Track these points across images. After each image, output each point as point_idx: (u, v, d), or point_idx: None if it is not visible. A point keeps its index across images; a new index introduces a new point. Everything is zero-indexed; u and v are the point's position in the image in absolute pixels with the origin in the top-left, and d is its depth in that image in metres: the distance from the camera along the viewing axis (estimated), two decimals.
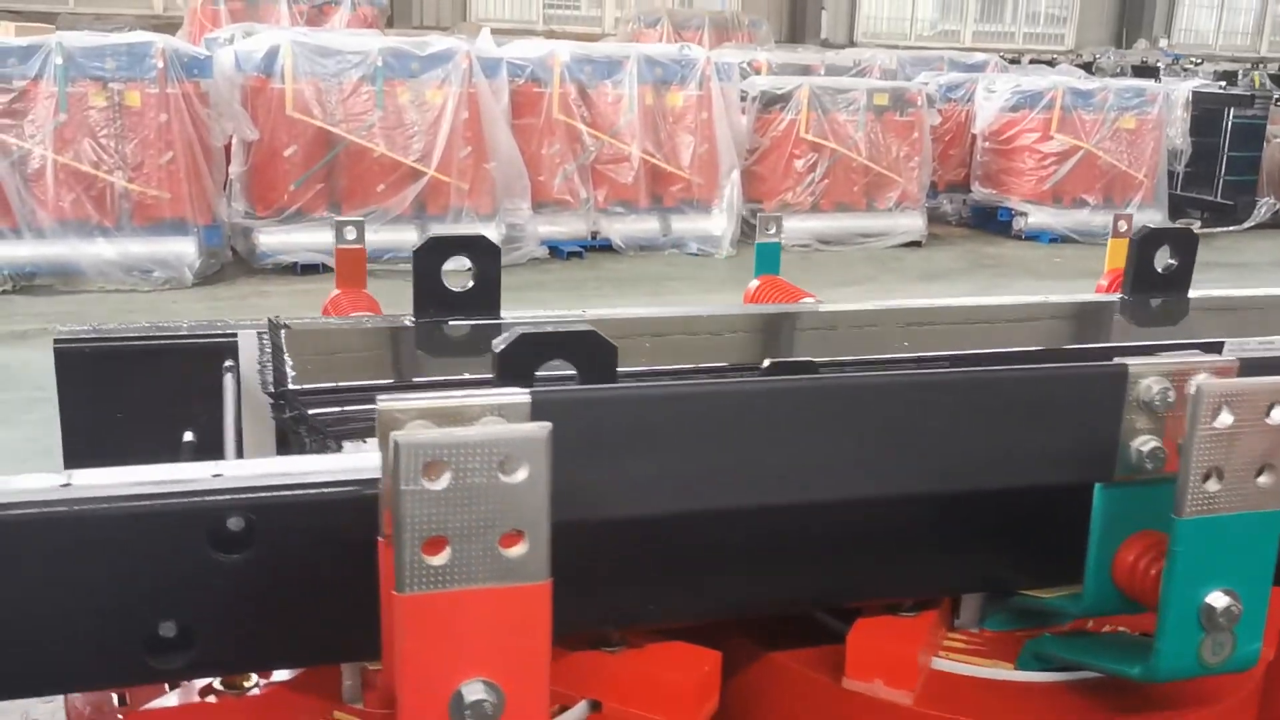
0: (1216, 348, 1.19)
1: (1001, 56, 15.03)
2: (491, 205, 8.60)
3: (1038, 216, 10.65)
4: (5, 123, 7.33)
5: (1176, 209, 11.41)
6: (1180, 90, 11.80)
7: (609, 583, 0.92)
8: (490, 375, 0.94)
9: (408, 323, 1.34)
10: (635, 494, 0.85)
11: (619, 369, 0.94)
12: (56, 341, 1.22)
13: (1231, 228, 11.30)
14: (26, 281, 7.41)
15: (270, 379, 1.06)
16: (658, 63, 9.29)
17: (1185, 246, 1.56)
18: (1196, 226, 8.96)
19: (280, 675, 0.97)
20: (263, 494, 0.83)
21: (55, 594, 0.81)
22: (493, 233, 8.17)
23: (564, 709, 0.95)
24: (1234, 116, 11.68)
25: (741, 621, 1.10)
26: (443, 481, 0.71)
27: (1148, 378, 0.92)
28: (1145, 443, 0.93)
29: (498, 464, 0.72)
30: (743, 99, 9.77)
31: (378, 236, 7.44)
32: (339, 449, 0.96)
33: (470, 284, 1.34)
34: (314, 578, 0.85)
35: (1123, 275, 1.58)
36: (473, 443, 0.71)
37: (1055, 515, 0.99)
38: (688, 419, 0.85)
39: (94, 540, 0.81)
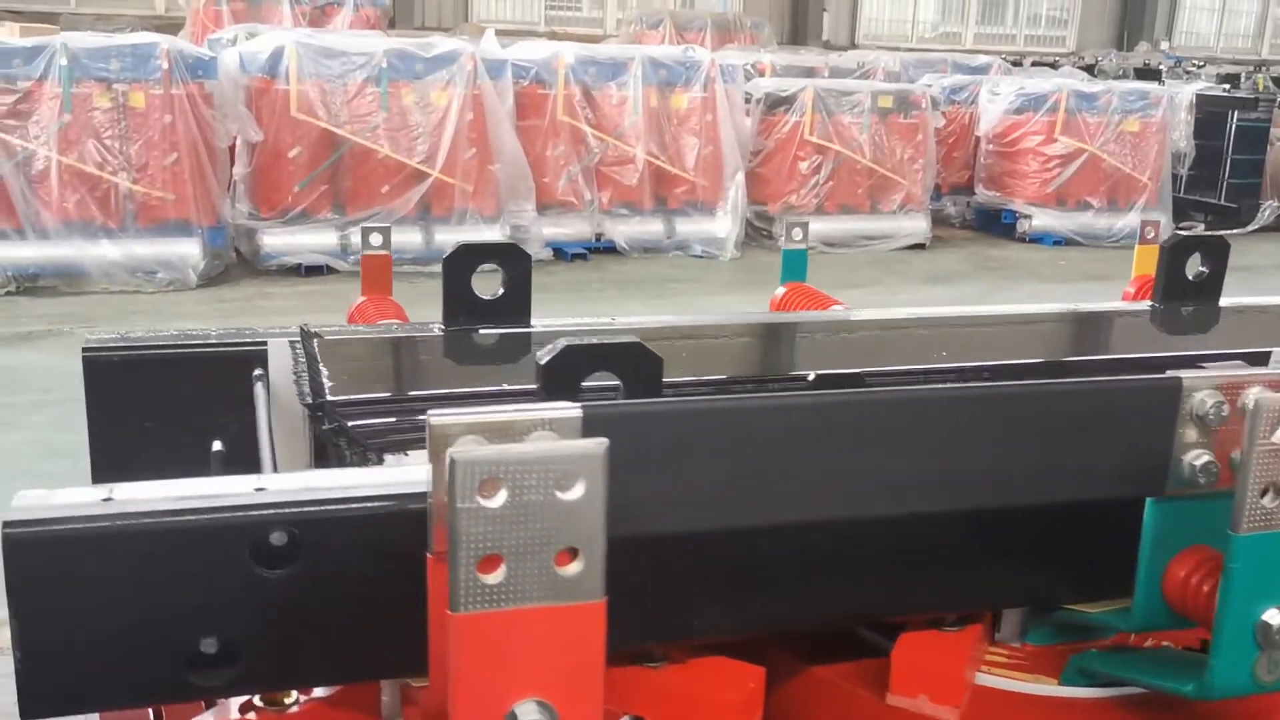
0: (1262, 358, 1.18)
1: (1004, 59, 15.03)
2: (496, 207, 8.59)
3: (1042, 219, 10.65)
4: (10, 123, 7.32)
5: (1180, 212, 11.41)
6: (1184, 93, 11.80)
7: (655, 598, 0.91)
8: (531, 387, 0.93)
9: (437, 331, 1.33)
10: (684, 509, 0.84)
11: None
12: (85, 350, 1.21)
13: (1235, 231, 11.29)
14: (30, 283, 7.40)
15: (307, 390, 1.05)
16: (662, 64, 9.29)
17: (1217, 254, 1.54)
18: (1200, 230, 8.96)
19: (319, 691, 0.96)
20: (307, 508, 0.82)
21: (96, 610, 0.79)
22: (497, 234, 8.17)
23: None
24: (1238, 119, 11.68)
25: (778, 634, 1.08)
26: (499, 499, 0.70)
27: (1201, 391, 0.91)
28: (1198, 457, 0.92)
29: (554, 481, 0.71)
30: (747, 101, 9.77)
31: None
32: (380, 462, 0.95)
33: (501, 291, 1.33)
34: (358, 593, 0.84)
35: (1153, 283, 1.57)
36: (530, 459, 0.70)
37: (1101, 528, 0.98)
38: (739, 433, 0.83)
39: (136, 555, 0.79)
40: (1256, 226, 11.46)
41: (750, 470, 0.84)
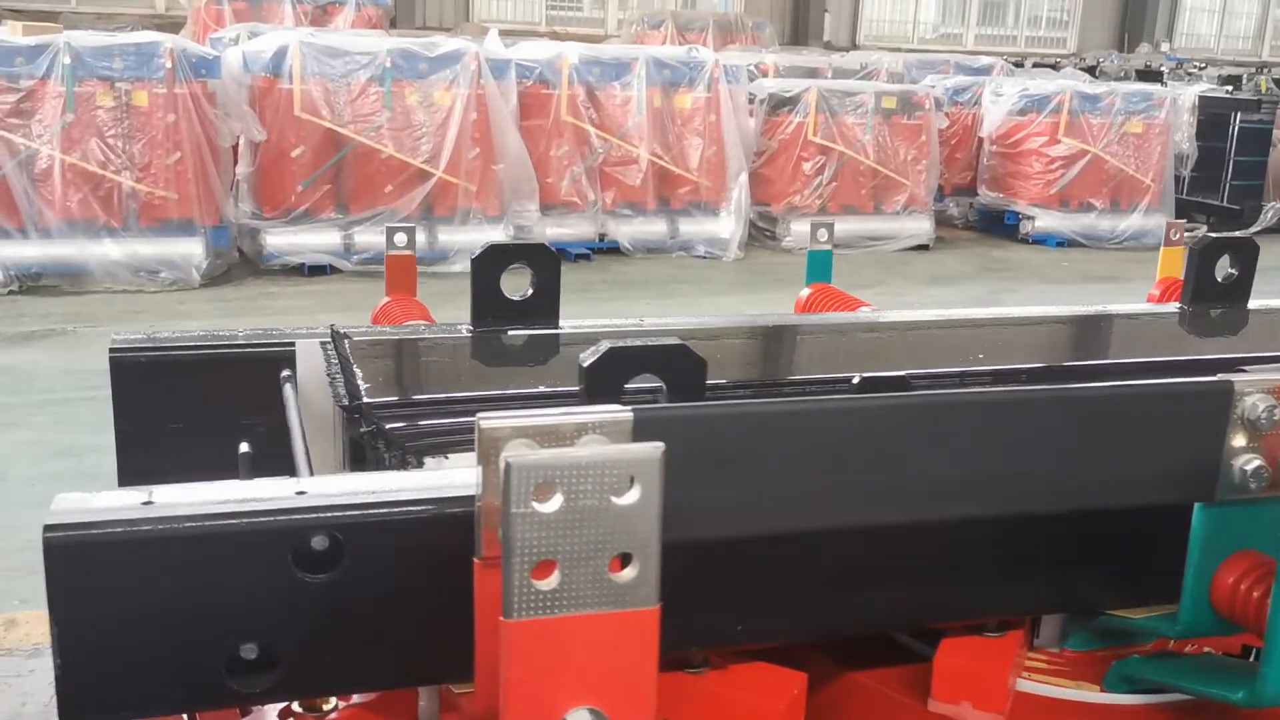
0: None
1: (1005, 60, 15.02)
2: (499, 207, 8.57)
3: (1045, 220, 10.63)
4: (12, 122, 7.30)
5: (1183, 213, 11.39)
6: (1187, 94, 11.79)
7: (701, 603, 0.89)
8: (568, 388, 0.91)
9: (465, 331, 1.31)
10: (733, 514, 0.83)
11: None
12: (112, 350, 1.19)
13: (1238, 232, 11.28)
14: (33, 282, 7.38)
15: (343, 391, 1.04)
16: (666, 65, 9.27)
17: (1246, 256, 1.53)
18: (1202, 231, 8.94)
19: (356, 697, 0.95)
20: (350, 512, 0.81)
21: (135, 615, 0.78)
22: (500, 234, 8.15)
23: None
24: (1241, 121, 11.67)
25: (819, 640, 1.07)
26: (554, 504, 0.69)
27: (1253, 394, 0.89)
28: (1249, 461, 0.90)
29: (610, 485, 0.69)
30: (750, 101, 9.76)
31: (383, 238, 7.40)
32: (419, 465, 0.93)
33: (530, 292, 1.32)
34: (400, 598, 0.83)
35: (1181, 285, 1.56)
36: (585, 464, 0.69)
37: (1146, 533, 0.97)
38: (788, 437, 0.82)
39: (177, 559, 0.78)
40: (1259, 228, 11.44)
41: (803, 475, 0.82)
